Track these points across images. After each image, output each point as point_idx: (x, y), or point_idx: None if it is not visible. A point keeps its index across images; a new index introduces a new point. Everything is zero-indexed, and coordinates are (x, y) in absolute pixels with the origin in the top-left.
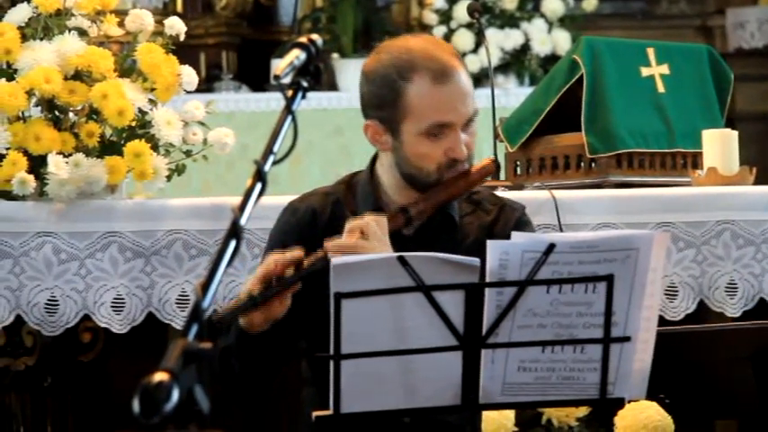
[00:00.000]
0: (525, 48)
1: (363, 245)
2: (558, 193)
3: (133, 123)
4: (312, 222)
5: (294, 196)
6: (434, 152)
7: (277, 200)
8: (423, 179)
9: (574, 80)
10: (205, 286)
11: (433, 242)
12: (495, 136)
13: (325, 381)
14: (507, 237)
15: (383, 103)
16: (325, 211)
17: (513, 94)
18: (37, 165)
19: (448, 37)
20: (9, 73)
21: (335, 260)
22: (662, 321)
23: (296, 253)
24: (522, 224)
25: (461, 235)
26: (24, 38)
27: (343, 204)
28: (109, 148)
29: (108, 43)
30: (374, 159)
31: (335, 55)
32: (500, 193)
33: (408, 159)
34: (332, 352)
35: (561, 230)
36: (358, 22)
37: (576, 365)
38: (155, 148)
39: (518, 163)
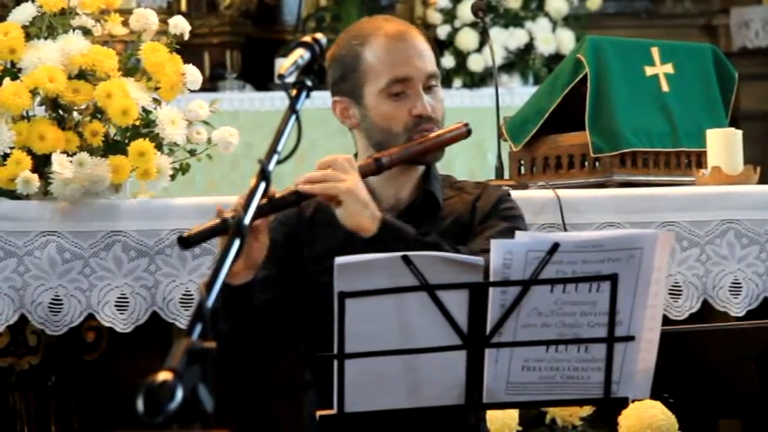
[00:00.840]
0: (529, 47)
1: (330, 174)
2: (562, 193)
3: (137, 122)
4: (297, 217)
5: None
6: (399, 112)
7: None
8: (391, 143)
9: (578, 79)
10: (209, 285)
11: (416, 222)
12: (500, 135)
13: (327, 383)
14: (490, 209)
15: (345, 74)
16: (309, 206)
17: (517, 94)
18: (41, 164)
19: (452, 36)
20: (13, 72)
21: (339, 260)
22: (666, 321)
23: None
24: (504, 200)
25: (445, 213)
26: (28, 37)
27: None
28: (113, 147)
29: (112, 42)
30: (355, 154)
31: None
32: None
33: (375, 124)
34: (336, 351)
35: (565, 230)
36: None
37: (580, 365)
38: (159, 147)
39: (522, 162)
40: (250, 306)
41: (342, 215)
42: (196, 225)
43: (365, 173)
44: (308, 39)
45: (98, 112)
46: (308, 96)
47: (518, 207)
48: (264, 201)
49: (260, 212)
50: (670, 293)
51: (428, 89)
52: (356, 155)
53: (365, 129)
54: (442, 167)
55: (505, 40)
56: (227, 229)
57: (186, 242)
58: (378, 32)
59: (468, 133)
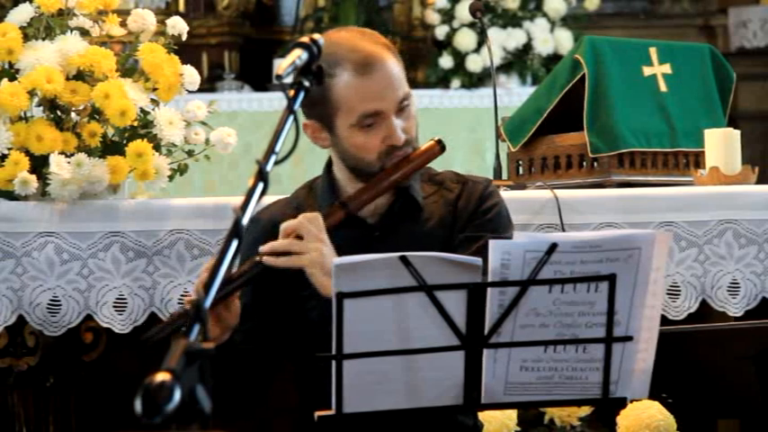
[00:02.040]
0: (527, 47)
1: (297, 244)
2: (561, 193)
3: (135, 123)
4: (273, 232)
5: None
6: (371, 142)
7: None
8: (366, 169)
9: (576, 79)
10: (207, 286)
11: (396, 226)
12: (498, 135)
13: (311, 388)
14: (472, 211)
15: (314, 101)
16: (285, 219)
17: (515, 94)
18: (39, 165)
19: (450, 36)
20: (11, 73)
21: (337, 260)
22: (664, 321)
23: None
24: (487, 196)
25: (426, 215)
26: (26, 38)
27: (304, 209)
28: (111, 147)
29: (110, 43)
30: (329, 163)
31: None
32: (502, 192)
33: (348, 152)
34: (334, 352)
35: (563, 230)
36: (360, 22)
37: (579, 365)
38: (157, 147)
39: (520, 162)
40: (231, 354)
41: (311, 281)
42: (163, 322)
43: (334, 223)
44: (305, 39)
45: (96, 113)
46: (305, 97)
47: (499, 201)
48: (227, 282)
49: (226, 293)
50: (668, 293)
51: (400, 111)
52: (329, 162)
53: (338, 152)
54: (440, 167)
55: (504, 40)
56: (187, 319)
57: (146, 342)
58: (345, 63)
59: (442, 150)
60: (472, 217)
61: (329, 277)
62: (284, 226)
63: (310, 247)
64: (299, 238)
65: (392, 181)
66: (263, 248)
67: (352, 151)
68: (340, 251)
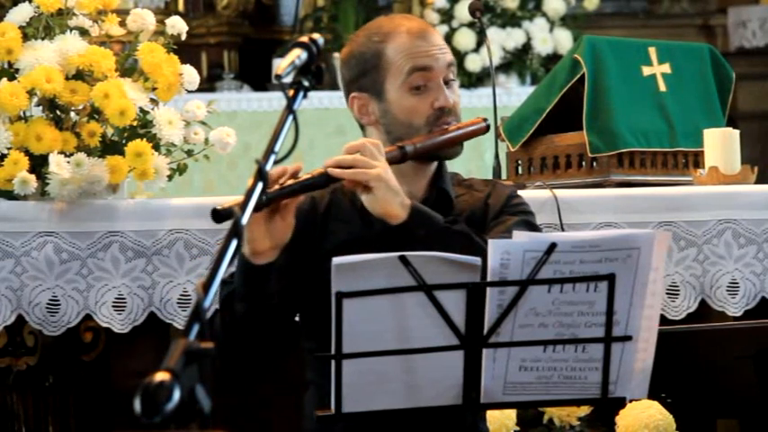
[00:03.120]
0: (527, 47)
1: (362, 159)
2: (560, 193)
3: (134, 123)
4: (312, 209)
5: None
6: (421, 105)
7: None
8: (413, 137)
9: (575, 79)
10: (206, 286)
11: None
12: (497, 135)
13: (328, 382)
14: (503, 204)
15: (365, 70)
16: (323, 199)
17: (514, 94)
18: (38, 164)
19: (449, 36)
20: (10, 73)
21: (336, 260)
22: (663, 321)
23: (296, 165)
24: (515, 196)
25: (457, 210)
26: (26, 37)
27: (339, 193)
28: (110, 147)
29: (109, 43)
30: None
31: (337, 54)
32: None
33: (397, 119)
34: (333, 351)
35: (563, 230)
36: (359, 22)
37: (578, 365)
38: (156, 147)
39: (519, 162)
40: (269, 288)
41: (370, 201)
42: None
43: (390, 160)
44: (305, 39)
45: (95, 113)
46: (305, 96)
47: (527, 203)
48: (293, 181)
49: (288, 192)
50: (667, 293)
51: (447, 83)
52: None
53: (385, 124)
54: None
55: (503, 40)
56: (260, 204)
57: (219, 214)
58: (399, 29)
59: (488, 129)
60: (504, 208)
61: (393, 194)
62: (348, 145)
63: (374, 163)
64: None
65: (447, 138)
66: (328, 161)
67: (401, 117)
68: (374, 242)
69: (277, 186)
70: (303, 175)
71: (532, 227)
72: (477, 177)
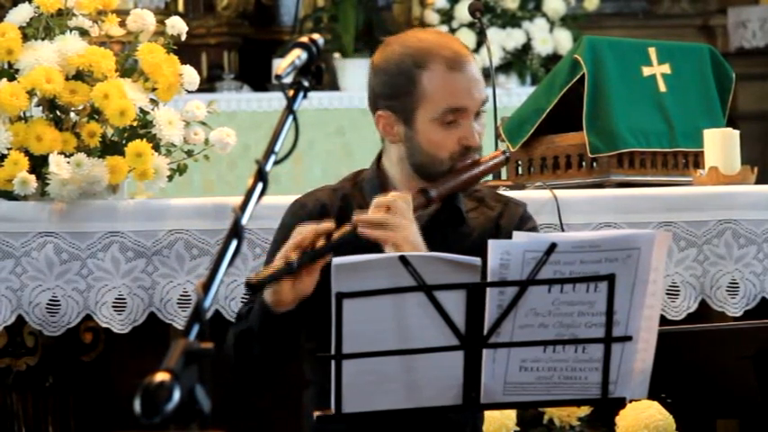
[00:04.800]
0: (527, 47)
1: (392, 220)
2: (560, 193)
3: (134, 123)
4: (322, 215)
5: (296, 196)
6: (448, 140)
7: (278, 199)
8: (435, 168)
9: (575, 80)
10: (206, 286)
11: (441, 236)
12: (497, 135)
13: (328, 381)
14: (513, 229)
15: (397, 93)
16: (334, 205)
17: (514, 94)
18: (38, 165)
19: None
20: (10, 73)
21: (336, 260)
22: (663, 321)
23: (327, 224)
24: (527, 219)
25: (468, 228)
26: (26, 38)
27: (351, 199)
28: (110, 147)
29: (109, 43)
30: (380, 155)
31: (337, 55)
32: (502, 192)
33: (421, 148)
34: (333, 352)
35: (563, 230)
36: (359, 22)
37: (578, 365)
38: (156, 147)
39: (519, 162)
40: (286, 333)
41: None
42: (264, 270)
43: (415, 208)
44: (305, 39)
45: (95, 113)
46: (305, 97)
47: (537, 225)
48: (323, 242)
49: (320, 252)
50: (668, 293)
51: (477, 115)
52: (381, 154)
53: (409, 148)
54: None
55: (503, 40)
56: (291, 271)
57: (254, 286)
58: (437, 57)
59: (507, 161)
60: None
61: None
62: (378, 199)
63: (404, 224)
64: (390, 211)
65: (468, 180)
66: (358, 218)
67: (425, 147)
68: (383, 248)
69: (305, 248)
70: (335, 235)
71: None
72: (487, 188)
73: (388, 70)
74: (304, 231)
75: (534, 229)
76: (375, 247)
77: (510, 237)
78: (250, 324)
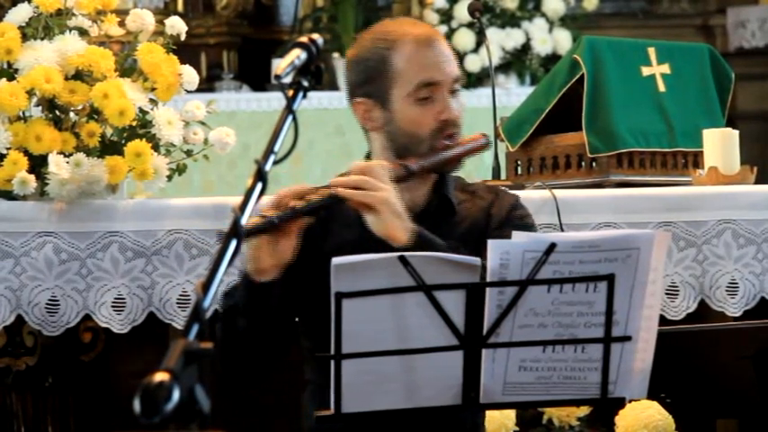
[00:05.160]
0: (526, 47)
1: (369, 181)
2: (559, 193)
3: (134, 123)
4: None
5: None
6: (425, 117)
7: None
8: (416, 147)
9: (574, 80)
10: (206, 286)
11: (432, 226)
12: (496, 135)
13: (327, 381)
14: (505, 216)
15: (371, 77)
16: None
17: (513, 94)
18: (38, 164)
19: (449, 36)
20: (10, 73)
21: (336, 260)
22: (663, 321)
23: (304, 186)
24: (518, 207)
25: (459, 218)
26: (25, 37)
27: (341, 199)
28: (110, 147)
29: (109, 43)
30: (368, 155)
31: (336, 54)
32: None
33: (401, 128)
34: (333, 351)
35: (562, 230)
36: (359, 22)
37: (577, 365)
38: (155, 147)
39: (519, 162)
40: (271, 304)
41: (374, 223)
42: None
43: (394, 179)
44: (304, 39)
45: (95, 113)
46: (304, 97)
47: (530, 214)
48: (300, 203)
49: (296, 214)
50: (667, 293)
51: (452, 93)
52: (368, 155)
53: (389, 132)
54: None
55: (502, 40)
56: (271, 226)
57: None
58: (406, 36)
59: (488, 145)
60: (506, 221)
61: (398, 218)
62: (355, 165)
63: (381, 186)
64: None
65: (449, 158)
66: (335, 181)
67: (404, 126)
68: (374, 243)
69: (283, 209)
70: (310, 196)
71: None
72: (481, 182)
73: (360, 58)
74: (282, 192)
75: (526, 217)
76: (354, 223)
77: (501, 225)
78: (236, 299)
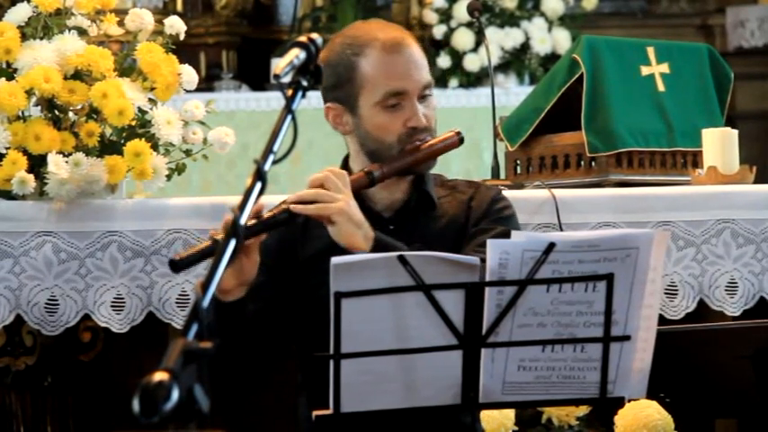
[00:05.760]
0: (525, 47)
1: (324, 194)
2: (558, 192)
3: (133, 123)
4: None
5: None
6: (393, 123)
7: (277, 199)
8: (385, 152)
9: (574, 79)
10: (205, 285)
11: (411, 222)
12: (496, 135)
13: (317, 385)
14: (485, 209)
15: (339, 83)
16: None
17: (513, 93)
18: (37, 164)
19: (448, 36)
20: (9, 72)
21: (335, 260)
22: (662, 320)
23: (258, 204)
24: (500, 199)
25: (439, 213)
26: (24, 37)
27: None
28: (109, 147)
29: (108, 43)
30: (346, 158)
31: None
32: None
33: (369, 134)
34: (332, 351)
35: (561, 229)
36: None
37: (577, 364)
38: (155, 147)
39: (518, 162)
40: (241, 321)
41: (334, 234)
42: (188, 248)
43: (357, 187)
44: (303, 39)
45: (94, 113)
46: (303, 96)
47: (511, 206)
48: (254, 221)
49: (250, 232)
50: (666, 293)
51: (422, 98)
52: (347, 156)
53: (358, 136)
54: (438, 168)
55: (501, 39)
56: (217, 249)
57: (176, 265)
58: (373, 42)
59: (461, 142)
60: (485, 214)
61: (356, 227)
62: (311, 177)
63: (338, 197)
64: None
65: (415, 159)
66: (290, 197)
67: (373, 133)
68: (341, 253)
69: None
70: (265, 213)
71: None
72: (462, 179)
73: (330, 63)
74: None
75: (506, 209)
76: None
77: (481, 217)
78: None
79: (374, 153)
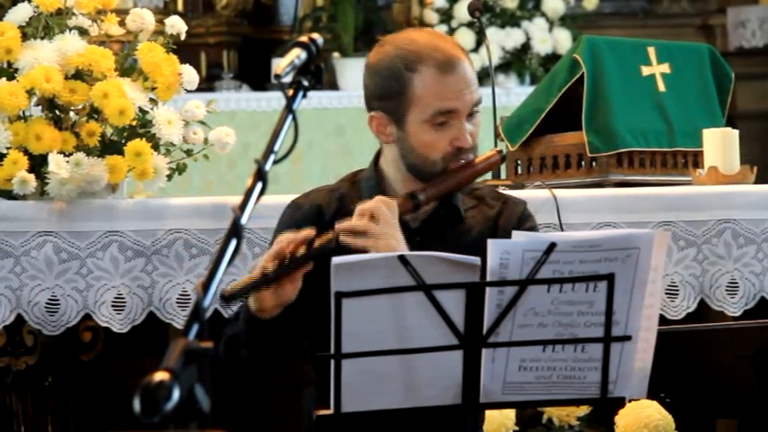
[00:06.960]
0: (526, 47)
1: (373, 228)
2: (559, 192)
3: (134, 123)
4: (318, 218)
5: (295, 195)
6: (440, 141)
7: (277, 199)
8: (428, 169)
9: (574, 79)
10: (206, 285)
11: (438, 234)
12: (496, 135)
13: (327, 380)
14: (512, 229)
15: (389, 94)
16: (330, 207)
17: (513, 94)
18: (38, 164)
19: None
20: (10, 72)
21: (336, 260)
22: (663, 320)
23: (307, 232)
24: (526, 217)
25: (466, 227)
26: (25, 37)
27: (348, 200)
28: (110, 147)
29: (109, 42)
30: (377, 155)
31: (336, 54)
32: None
33: (413, 149)
34: (333, 351)
35: (562, 229)
36: (359, 21)
37: (577, 364)
38: (155, 147)
39: (519, 162)
40: (272, 338)
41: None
42: (240, 280)
43: (402, 212)
44: (304, 39)
45: (95, 113)
46: (304, 96)
47: (537, 224)
48: (303, 249)
49: (299, 261)
50: (667, 293)
51: (470, 115)
52: (379, 152)
53: (401, 149)
54: None
55: (502, 39)
56: (268, 282)
57: (227, 298)
58: (428, 60)
59: (503, 160)
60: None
61: None
62: (360, 207)
63: (387, 233)
64: (373, 219)
65: (459, 181)
66: (340, 226)
67: (418, 149)
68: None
69: (282, 260)
70: (316, 242)
71: None
72: (488, 187)
73: (380, 72)
74: (283, 240)
75: (533, 228)
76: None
77: (508, 236)
78: (238, 329)
79: (416, 167)
